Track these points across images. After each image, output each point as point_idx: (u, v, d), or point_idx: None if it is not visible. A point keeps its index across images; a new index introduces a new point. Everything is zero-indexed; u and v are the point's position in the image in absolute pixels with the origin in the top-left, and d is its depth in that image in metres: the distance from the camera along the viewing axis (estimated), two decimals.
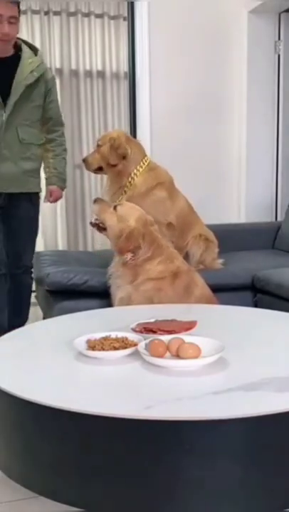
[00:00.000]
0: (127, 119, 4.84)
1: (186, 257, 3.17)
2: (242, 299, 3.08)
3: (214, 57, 4.54)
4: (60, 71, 4.84)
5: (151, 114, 4.50)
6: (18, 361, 1.65)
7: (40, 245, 4.39)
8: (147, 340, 1.63)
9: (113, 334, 1.71)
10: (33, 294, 3.37)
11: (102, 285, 2.79)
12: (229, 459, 1.25)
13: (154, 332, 1.73)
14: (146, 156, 3.16)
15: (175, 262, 2.60)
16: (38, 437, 1.36)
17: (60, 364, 1.62)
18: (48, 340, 1.91)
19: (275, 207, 4.73)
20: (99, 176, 4.14)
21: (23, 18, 4.66)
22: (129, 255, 2.50)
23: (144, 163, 3.09)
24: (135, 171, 3.06)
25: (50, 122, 3.16)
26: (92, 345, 1.64)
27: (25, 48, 3.04)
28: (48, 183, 3.21)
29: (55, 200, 3.27)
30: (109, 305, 2.69)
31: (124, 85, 4.91)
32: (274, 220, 4.67)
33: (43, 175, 3.24)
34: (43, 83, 3.04)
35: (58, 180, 3.21)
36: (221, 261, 3.35)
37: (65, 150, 3.26)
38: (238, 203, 4.71)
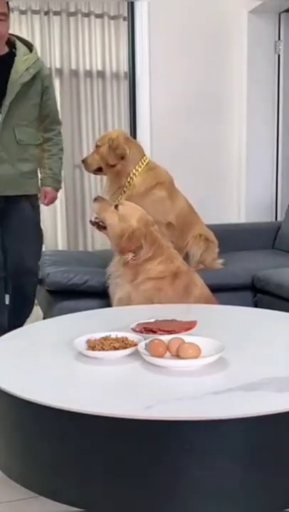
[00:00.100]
0: (127, 119, 4.83)
1: (186, 257, 3.18)
2: (242, 299, 3.08)
3: (214, 57, 4.54)
4: (60, 71, 4.84)
5: (151, 114, 4.49)
6: (18, 361, 1.65)
7: None
8: (147, 340, 1.63)
9: (113, 334, 1.71)
10: None
11: (102, 285, 2.79)
12: (229, 459, 1.25)
13: (154, 332, 1.73)
14: (145, 155, 3.16)
15: (175, 262, 2.60)
16: (38, 437, 1.36)
17: (60, 364, 1.62)
18: (48, 340, 1.91)
19: (275, 207, 4.73)
20: (98, 176, 4.14)
21: (23, 18, 4.67)
22: (130, 255, 2.51)
23: (143, 163, 3.09)
24: (134, 170, 3.06)
25: (47, 120, 3.05)
26: (92, 345, 1.64)
27: (19, 45, 2.92)
28: (42, 184, 3.09)
29: (50, 202, 3.14)
30: (110, 305, 2.69)
31: (124, 85, 4.91)
32: (274, 220, 4.67)
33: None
34: (39, 80, 2.93)
35: (53, 182, 3.09)
36: (221, 261, 3.35)
37: (61, 150, 3.15)
38: (238, 203, 4.71)
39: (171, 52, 4.44)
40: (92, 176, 4.81)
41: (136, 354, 1.59)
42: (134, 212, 2.58)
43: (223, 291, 2.95)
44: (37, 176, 3.09)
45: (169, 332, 1.71)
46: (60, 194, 4.53)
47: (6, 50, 2.88)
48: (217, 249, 3.34)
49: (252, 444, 1.26)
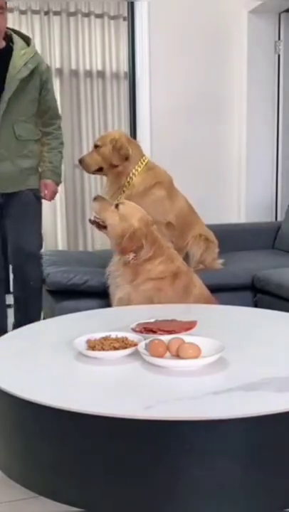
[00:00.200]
0: (127, 119, 4.84)
1: (186, 257, 3.17)
2: (242, 299, 3.08)
3: (214, 57, 4.54)
4: (60, 71, 4.85)
5: (151, 114, 4.49)
6: (18, 361, 1.65)
7: None
8: (147, 340, 1.63)
9: (113, 334, 1.71)
10: None
11: (102, 285, 2.79)
12: (229, 459, 1.25)
13: (154, 332, 1.73)
14: (144, 155, 3.16)
15: (175, 263, 2.60)
16: (38, 437, 1.36)
17: (60, 364, 1.62)
18: (48, 340, 1.91)
19: (275, 207, 4.73)
20: (98, 175, 4.14)
21: (23, 18, 4.67)
22: (131, 255, 2.50)
23: (142, 163, 3.09)
24: (134, 170, 3.05)
25: (46, 115, 3.02)
26: (92, 345, 1.64)
27: (16, 39, 2.87)
28: (42, 177, 3.05)
29: (51, 196, 3.10)
30: (110, 305, 2.69)
31: (124, 85, 4.91)
32: (274, 220, 4.67)
33: None
34: (37, 75, 2.88)
35: (53, 175, 3.05)
36: (221, 261, 3.35)
37: (61, 143, 3.11)
38: (238, 203, 4.71)
39: (171, 52, 4.44)
40: (92, 175, 4.81)
41: (136, 354, 1.59)
42: (135, 212, 2.57)
43: (223, 291, 2.95)
44: (38, 172, 3.06)
45: (169, 332, 1.71)
46: (60, 194, 4.55)
47: (3, 44, 2.83)
48: (217, 249, 3.34)
49: (252, 444, 1.26)
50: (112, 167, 3.05)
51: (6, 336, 1.95)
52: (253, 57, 4.51)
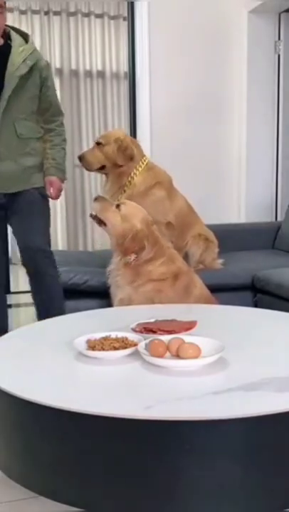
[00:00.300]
0: (127, 119, 4.84)
1: (186, 256, 3.17)
2: (242, 299, 3.08)
3: (214, 57, 4.54)
4: (60, 71, 4.85)
5: (151, 114, 4.50)
6: (18, 361, 1.65)
7: None
8: (147, 340, 1.63)
9: (113, 334, 1.71)
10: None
11: (102, 285, 2.78)
12: (229, 458, 1.25)
13: (154, 332, 1.73)
14: (144, 155, 3.16)
15: (176, 263, 2.60)
16: (38, 437, 1.36)
17: (60, 364, 1.62)
18: (48, 340, 1.91)
19: (275, 207, 4.73)
20: (99, 175, 4.14)
21: (23, 18, 4.68)
22: (132, 256, 2.50)
23: (142, 163, 3.09)
24: (134, 170, 3.06)
25: (48, 112, 2.96)
26: (92, 345, 1.64)
27: (14, 36, 2.83)
28: (46, 174, 2.96)
29: (57, 193, 3.00)
30: (110, 305, 2.69)
31: (124, 85, 4.92)
32: (274, 220, 4.67)
33: None
34: (37, 72, 2.83)
35: (57, 171, 2.97)
36: (220, 261, 3.35)
37: (64, 140, 3.04)
38: (238, 203, 4.71)
39: (171, 52, 4.44)
40: (93, 175, 4.82)
41: (136, 354, 1.59)
42: (137, 212, 2.56)
43: (223, 291, 2.95)
44: (42, 170, 2.98)
45: (169, 332, 1.71)
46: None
47: (1, 42, 2.79)
48: (217, 249, 3.34)
49: (252, 444, 1.26)
50: (116, 166, 3.05)
51: (6, 335, 1.95)
52: (253, 57, 4.51)
